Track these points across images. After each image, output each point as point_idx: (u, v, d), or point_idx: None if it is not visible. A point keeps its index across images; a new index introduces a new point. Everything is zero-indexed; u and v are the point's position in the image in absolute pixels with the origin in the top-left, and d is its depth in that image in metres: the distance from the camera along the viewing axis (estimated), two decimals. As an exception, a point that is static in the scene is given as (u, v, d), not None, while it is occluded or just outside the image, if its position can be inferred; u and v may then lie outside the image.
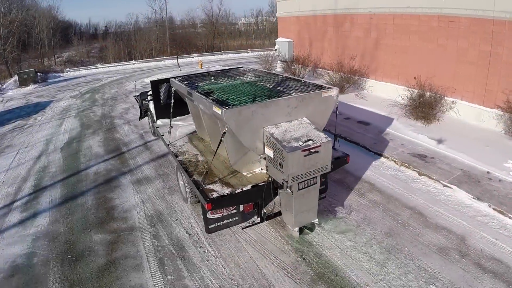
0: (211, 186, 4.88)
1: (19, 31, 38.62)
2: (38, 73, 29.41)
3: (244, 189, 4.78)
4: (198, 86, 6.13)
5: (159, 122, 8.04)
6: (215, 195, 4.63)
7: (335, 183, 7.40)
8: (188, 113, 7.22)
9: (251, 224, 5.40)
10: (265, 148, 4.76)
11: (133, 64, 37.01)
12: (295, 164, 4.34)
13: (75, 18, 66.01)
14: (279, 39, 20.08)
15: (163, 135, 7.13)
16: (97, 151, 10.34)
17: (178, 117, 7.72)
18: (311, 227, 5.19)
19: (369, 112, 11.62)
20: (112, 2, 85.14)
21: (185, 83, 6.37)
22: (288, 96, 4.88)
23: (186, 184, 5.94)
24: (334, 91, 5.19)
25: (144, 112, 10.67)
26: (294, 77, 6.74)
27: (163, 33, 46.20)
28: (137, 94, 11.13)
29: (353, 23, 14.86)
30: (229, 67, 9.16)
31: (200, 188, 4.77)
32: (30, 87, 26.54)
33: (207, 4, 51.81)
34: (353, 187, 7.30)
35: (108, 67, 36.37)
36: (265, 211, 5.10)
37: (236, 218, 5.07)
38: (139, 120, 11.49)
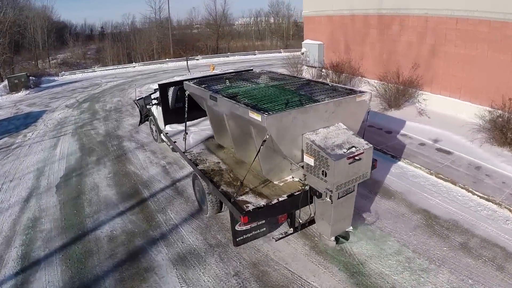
0: (243, 197, 4.59)
1: (11, 31, 36.00)
2: (31, 77, 26.85)
3: (280, 199, 4.54)
4: (218, 90, 5.72)
5: (167, 128, 7.59)
6: (250, 207, 4.34)
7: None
8: (199, 117, 7.05)
9: (284, 235, 4.99)
10: (304, 156, 4.52)
11: (134, 66, 34.53)
12: (340, 173, 4.13)
13: (70, 18, 63.48)
14: (307, 41, 17.71)
15: (175, 141, 6.75)
16: (107, 195, 7.52)
17: (188, 122, 7.12)
18: (346, 236, 4.95)
19: (440, 134, 9.33)
20: (108, 2, 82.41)
21: (203, 86, 5.92)
22: (327, 101, 4.64)
23: (208, 195, 5.59)
24: (367, 96, 4.95)
25: (144, 117, 10.17)
26: (318, 80, 6.44)
27: (164, 34, 43.77)
28: (137, 99, 10.40)
29: (403, 25, 12.66)
30: (242, 70, 8.42)
31: (232, 200, 4.45)
32: (22, 93, 23.99)
33: (210, 3, 49.49)
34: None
35: (106, 70, 33.86)
36: (300, 221, 4.86)
37: (264, 229, 4.79)
38: (139, 125, 11.14)
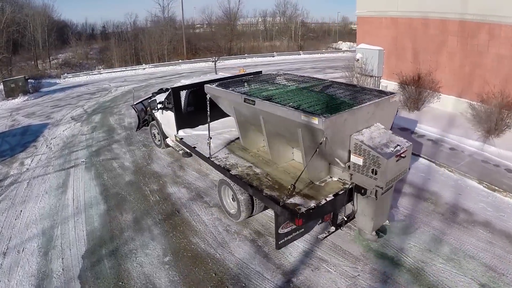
0: (291, 200, 4.53)
1: (10, 30, 32.86)
2: (30, 80, 23.66)
3: (328, 199, 4.57)
4: (247, 92, 5.60)
5: (181, 133, 7.37)
6: (302, 209, 4.31)
7: None
8: (215, 120, 6.95)
9: (328, 233, 5.03)
10: (352, 156, 4.61)
11: (144, 68, 31.42)
12: (390, 170, 4.33)
13: (70, 18, 60.17)
14: (362, 45, 14.70)
15: (194, 147, 6.58)
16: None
17: (200, 126, 7.29)
18: (384, 230, 5.17)
19: None
20: (110, 1, 79.09)
21: (230, 89, 5.84)
22: (369, 102, 4.75)
23: (242, 199, 5.43)
24: (397, 97, 5.20)
25: (142, 122, 9.73)
26: (343, 82, 6.58)
27: (174, 33, 40.60)
28: (135, 103, 9.84)
29: (492, 35, 10.16)
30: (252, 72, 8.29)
31: (281, 203, 4.41)
32: (19, 100, 20.85)
33: (224, 0, 46.11)
34: None
35: (114, 72, 30.71)
36: (345, 218, 5.02)
37: (302, 229, 4.85)
38: (136, 131, 10.43)
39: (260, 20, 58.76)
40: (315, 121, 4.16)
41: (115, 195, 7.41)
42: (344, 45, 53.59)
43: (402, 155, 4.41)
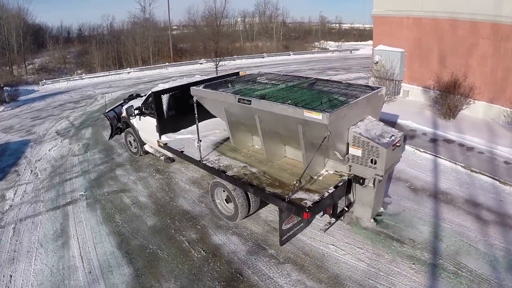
0: (295, 196, 4.63)
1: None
2: (5, 88, 21.51)
3: (329, 191, 4.72)
4: (238, 92, 5.62)
5: (164, 138, 7.13)
6: (308, 202, 4.43)
7: None
8: (193, 124, 6.38)
9: (329, 225, 5.20)
10: (350, 148, 4.79)
11: (128, 72, 29.55)
12: (388, 159, 4.54)
13: (45, 21, 56.69)
14: (381, 47, 13.61)
15: (182, 151, 6.44)
16: None
17: (182, 130, 7.34)
18: (379, 215, 5.49)
19: None
20: (85, 3, 75.47)
21: (220, 90, 5.83)
22: (363, 96, 4.92)
23: (238, 199, 5.50)
24: (383, 90, 5.37)
25: (115, 130, 9.43)
26: (327, 79, 6.62)
27: (157, 34, 38.70)
28: (107, 111, 9.57)
29: None
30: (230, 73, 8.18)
31: (287, 199, 4.47)
32: (-6, 111, 18.76)
33: (209, 1, 44.23)
34: None
35: (96, 77, 28.70)
36: (346, 209, 5.21)
37: (302, 224, 5.00)
38: (109, 139, 10.00)
39: (239, 20, 57.50)
40: (319, 116, 4.21)
41: (140, 250, 5.62)
42: (330, 45, 53.06)
43: (397, 144, 4.73)
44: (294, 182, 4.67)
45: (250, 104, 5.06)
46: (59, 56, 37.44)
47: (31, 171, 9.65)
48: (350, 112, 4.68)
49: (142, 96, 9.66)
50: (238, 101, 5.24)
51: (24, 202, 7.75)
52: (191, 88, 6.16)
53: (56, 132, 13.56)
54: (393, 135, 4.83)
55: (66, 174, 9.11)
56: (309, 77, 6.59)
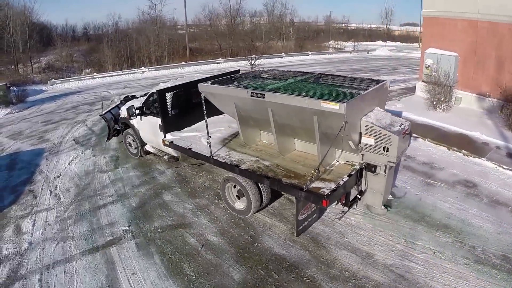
0: (313, 185, 4.74)
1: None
2: (12, 88, 19.56)
3: (344, 180, 4.83)
4: (250, 87, 5.65)
5: (169, 136, 7.04)
6: (326, 191, 4.55)
7: None
8: (199, 120, 7.11)
9: (343, 214, 5.34)
10: (363, 137, 4.89)
11: (143, 72, 27.61)
12: (400, 146, 4.73)
13: (50, 19, 54.78)
14: (432, 50, 12.52)
15: (190, 148, 6.37)
16: None
17: (186, 128, 7.30)
18: (389, 203, 5.69)
19: None
20: (91, 2, 73.48)
21: (231, 85, 5.89)
22: (372, 88, 5.07)
23: (251, 193, 5.50)
24: (388, 83, 5.54)
25: (113, 132, 9.33)
26: (334, 74, 6.96)
27: (170, 33, 36.77)
28: (104, 112, 9.32)
29: None
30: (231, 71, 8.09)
31: (305, 189, 4.57)
32: (0, 113, 16.83)
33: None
34: None
35: (108, 76, 26.76)
36: (359, 196, 5.33)
37: (315, 214, 5.10)
38: (107, 141, 9.75)
39: (246, 20, 55.37)
40: (336, 106, 4.31)
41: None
42: (346, 45, 51.15)
43: (406, 132, 4.94)
44: (313, 171, 4.71)
45: (263, 97, 5.07)
46: (66, 54, 35.45)
47: (51, 191, 7.71)
48: (362, 103, 4.81)
49: (139, 97, 9.47)
50: (251, 95, 5.22)
51: (48, 238, 5.81)
52: (199, 84, 6.11)
53: (74, 140, 11.60)
54: (402, 124, 5.00)
55: (97, 198, 7.16)
56: (313, 72, 6.65)
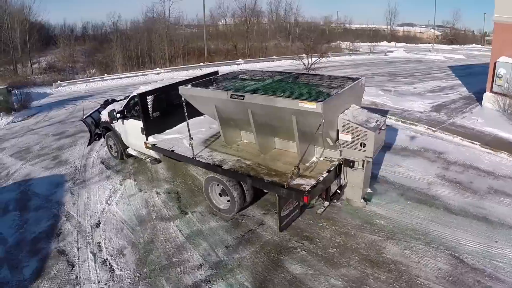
0: (294, 182, 4.82)
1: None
2: (13, 91, 16.61)
3: (324, 176, 4.92)
4: (229, 89, 5.72)
5: (151, 139, 7.00)
6: (307, 187, 4.63)
7: None
8: (180, 122, 7.12)
9: (324, 208, 5.45)
10: (340, 134, 5.03)
11: (158, 73, 24.78)
12: (376, 141, 4.87)
13: (48, 19, 51.53)
14: (504, 59, 11.27)
15: (172, 150, 6.34)
16: None
17: (168, 130, 7.22)
18: (369, 196, 5.81)
19: None
20: (89, 1, 70.02)
21: (211, 88, 6.03)
22: (348, 86, 5.23)
23: (235, 191, 5.48)
24: (363, 80, 5.67)
25: (94, 136, 9.12)
26: (310, 73, 7.29)
27: (188, 33, 33.95)
28: (85, 117, 9.10)
29: None
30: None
31: (286, 186, 4.67)
32: (1, 122, 13.92)
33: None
34: None
35: (120, 78, 23.89)
36: (339, 191, 5.48)
37: (297, 210, 5.17)
38: (88, 146, 9.51)
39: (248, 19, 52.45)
40: (313, 106, 4.40)
41: None
42: (362, 46, 48.88)
43: (382, 128, 5.06)
44: (293, 169, 4.79)
45: (243, 99, 5.12)
46: (69, 54, 32.45)
47: (94, 254, 4.98)
48: (339, 101, 4.94)
49: (119, 101, 9.22)
50: (231, 97, 5.26)
51: None
52: (180, 87, 6.11)
53: (102, 162, 8.78)
54: (378, 120, 5.13)
55: (179, 272, 4.52)
56: (290, 72, 6.85)
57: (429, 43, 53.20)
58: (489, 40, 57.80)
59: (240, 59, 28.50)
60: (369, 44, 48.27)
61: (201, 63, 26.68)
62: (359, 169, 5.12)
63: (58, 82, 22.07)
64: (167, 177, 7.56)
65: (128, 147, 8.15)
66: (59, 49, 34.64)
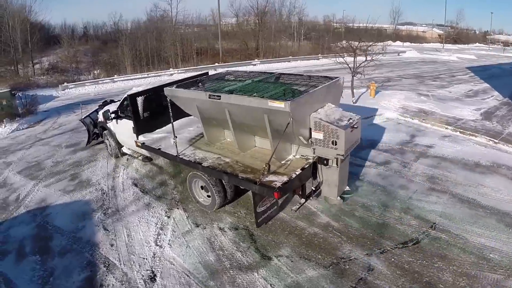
0: (266, 179, 4.93)
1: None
2: (18, 94, 14.87)
3: (297, 173, 5.04)
4: (209, 90, 5.78)
5: (141, 138, 7.19)
6: (278, 184, 4.74)
7: None
8: (168, 123, 6.99)
9: (300, 205, 5.50)
10: (313, 133, 5.08)
11: (171, 74, 23.16)
12: (348, 140, 4.90)
13: (48, 19, 49.81)
14: None
15: (159, 148, 6.57)
16: None
17: (157, 130, 7.41)
18: (347, 193, 5.78)
19: None
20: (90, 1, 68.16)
21: (193, 88, 6.07)
22: (321, 86, 5.28)
23: (215, 188, 5.65)
24: (341, 79, 5.71)
25: (92, 136, 9.55)
26: (291, 73, 6.99)
27: (201, 33, 32.30)
28: (83, 117, 9.55)
29: None
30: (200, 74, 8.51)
31: (258, 182, 4.79)
32: (4, 129, 12.23)
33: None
34: None
35: (130, 79, 22.23)
36: (313, 188, 5.44)
37: (275, 207, 5.30)
38: (87, 145, 9.66)
39: (246, 19, 50.81)
40: (282, 105, 4.51)
41: None
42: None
43: (354, 126, 5.02)
44: (264, 166, 4.96)
45: (220, 99, 5.26)
46: (73, 54, 30.72)
47: None
48: (310, 100, 4.96)
49: (116, 101, 9.26)
50: (209, 97, 5.41)
51: None
52: (165, 88, 6.27)
53: (134, 184, 7.16)
54: (350, 118, 5.11)
55: None
56: (273, 72, 6.85)
57: (433, 43, 51.93)
58: (491, 39, 57.15)
59: (256, 59, 26.84)
60: (381, 44, 46.76)
61: (216, 64, 24.99)
62: (333, 167, 5.14)
63: (65, 84, 20.33)
64: (228, 209, 5.90)
65: (123, 146, 8.39)
66: (61, 49, 32.98)
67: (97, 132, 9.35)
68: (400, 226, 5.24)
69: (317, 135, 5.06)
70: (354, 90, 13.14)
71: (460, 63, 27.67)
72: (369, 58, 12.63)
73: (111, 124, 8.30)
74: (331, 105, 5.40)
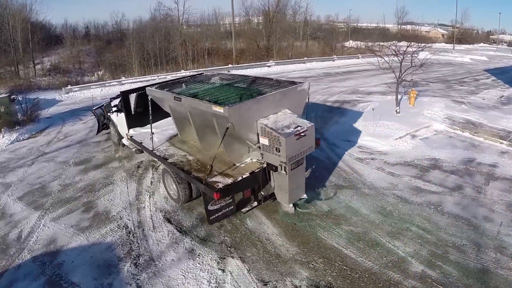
0: (213, 179, 5.08)
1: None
2: (17, 99, 13.30)
3: (244, 176, 5.12)
4: (180, 92, 6.10)
5: (131, 131, 7.80)
6: (220, 185, 4.87)
7: None
8: (160, 119, 7.49)
9: (250, 208, 5.46)
10: (260, 138, 5.14)
11: (182, 74, 21.52)
12: (290, 147, 4.86)
13: (49, 19, 48.34)
14: None
15: (141, 142, 7.08)
16: None
17: (148, 126, 7.33)
18: (304, 201, 5.86)
19: None
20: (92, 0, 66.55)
21: (166, 90, 6.29)
22: (274, 92, 5.29)
23: (180, 184, 5.89)
24: (306, 85, 5.69)
25: (102, 126, 10.18)
26: (265, 77, 7.04)
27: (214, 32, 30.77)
28: (94, 108, 10.19)
29: None
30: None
31: (204, 182, 4.95)
32: (3, 141, 10.68)
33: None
34: None
35: (139, 81, 20.68)
36: (263, 193, 5.43)
37: (232, 207, 5.32)
38: (97, 134, 10.36)
39: (255, 18, 49.21)
40: (221, 110, 4.68)
41: None
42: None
43: (301, 134, 4.96)
44: (208, 166, 5.13)
45: (180, 101, 5.57)
46: (76, 54, 29.19)
47: None
48: (257, 106, 5.00)
49: None
50: (174, 99, 5.73)
51: None
52: (146, 88, 6.65)
53: (167, 219, 5.72)
54: (299, 126, 5.03)
55: None
56: (250, 76, 7.03)
57: (438, 43, 50.47)
58: (494, 39, 56.03)
59: (271, 61, 25.33)
60: (390, 43, 45.16)
61: (229, 65, 23.46)
62: (282, 174, 5.08)
63: (69, 86, 18.80)
64: (293, 251, 4.49)
65: (123, 138, 8.58)
66: (63, 49, 31.47)
67: (106, 122, 9.96)
68: (501, 271, 4.15)
69: (263, 140, 5.10)
70: (390, 98, 11.71)
71: (475, 65, 27.07)
72: (417, 62, 11.26)
73: (114, 116, 8.91)
74: (287, 111, 5.39)
